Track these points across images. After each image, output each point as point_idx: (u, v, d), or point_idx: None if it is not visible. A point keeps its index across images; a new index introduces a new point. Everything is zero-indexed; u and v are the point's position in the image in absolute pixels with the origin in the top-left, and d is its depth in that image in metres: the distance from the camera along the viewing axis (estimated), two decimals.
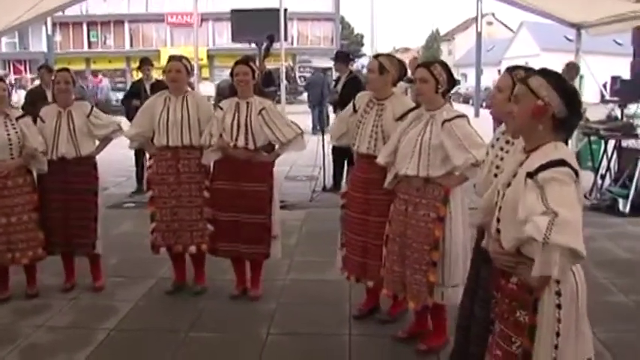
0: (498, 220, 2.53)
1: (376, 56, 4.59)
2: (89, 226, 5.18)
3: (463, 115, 4.00)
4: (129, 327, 4.63)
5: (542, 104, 2.40)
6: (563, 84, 2.47)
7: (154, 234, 5.11)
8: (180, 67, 5.00)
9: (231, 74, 4.97)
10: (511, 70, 3.24)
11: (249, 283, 5.20)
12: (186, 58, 5.11)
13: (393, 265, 4.15)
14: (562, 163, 2.31)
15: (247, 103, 4.89)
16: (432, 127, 3.96)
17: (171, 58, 5.11)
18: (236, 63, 4.94)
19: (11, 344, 4.36)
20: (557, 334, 2.36)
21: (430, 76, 3.94)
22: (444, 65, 4.07)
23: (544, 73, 2.49)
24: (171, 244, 5.11)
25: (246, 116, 4.85)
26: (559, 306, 2.35)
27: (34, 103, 8.23)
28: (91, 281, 5.37)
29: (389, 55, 4.67)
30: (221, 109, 4.95)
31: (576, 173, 2.33)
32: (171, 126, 4.93)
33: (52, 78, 5.36)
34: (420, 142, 3.95)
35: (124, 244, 6.32)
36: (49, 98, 8.37)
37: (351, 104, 4.65)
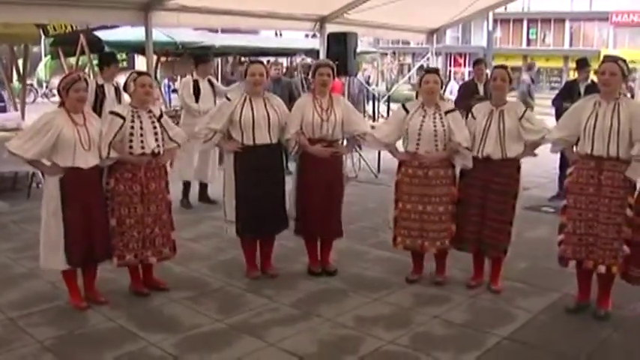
0: None
1: None
2: (503, 229, 5.10)
3: None
4: (522, 339, 4.40)
5: None
6: None
7: (562, 245, 4.76)
8: (615, 69, 4.53)
9: None
10: None
11: None
12: (623, 60, 4.58)
13: None
14: None
15: None
16: None
17: (606, 59, 4.65)
18: None
19: (403, 328, 4.53)
20: None
21: None
22: None
23: None
24: (582, 258, 4.69)
25: None
26: None
27: (466, 96, 8.52)
28: (490, 282, 5.29)
29: None
30: None
31: None
32: (597, 133, 4.50)
33: (488, 72, 5.39)
34: None
35: (534, 250, 6.06)
36: (481, 92, 8.60)
37: None
